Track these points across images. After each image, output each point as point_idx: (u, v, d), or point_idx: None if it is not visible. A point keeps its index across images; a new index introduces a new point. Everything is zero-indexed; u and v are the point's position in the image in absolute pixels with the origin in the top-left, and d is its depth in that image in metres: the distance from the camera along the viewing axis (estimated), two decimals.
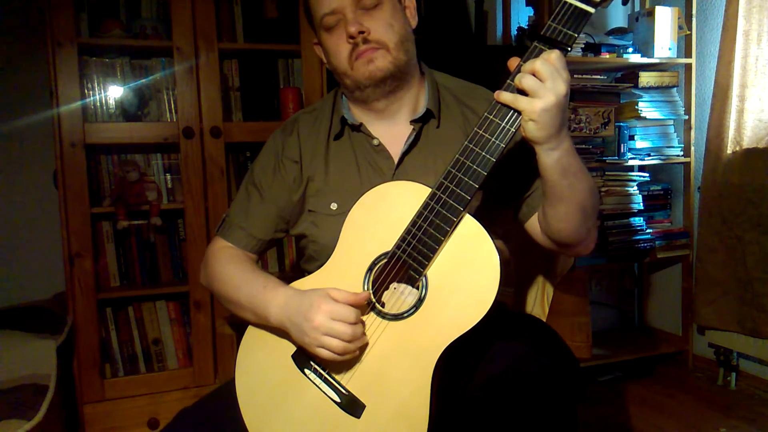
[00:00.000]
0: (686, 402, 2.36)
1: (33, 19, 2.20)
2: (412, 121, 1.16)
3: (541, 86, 0.89)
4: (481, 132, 0.96)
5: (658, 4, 2.57)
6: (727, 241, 2.37)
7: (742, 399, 2.37)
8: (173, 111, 2.15)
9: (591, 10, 0.92)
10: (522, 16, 2.72)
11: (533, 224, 1.15)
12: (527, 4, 2.61)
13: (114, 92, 2.12)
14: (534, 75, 0.90)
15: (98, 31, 2.06)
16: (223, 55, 2.15)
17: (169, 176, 2.21)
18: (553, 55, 0.90)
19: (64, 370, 1.92)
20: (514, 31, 2.69)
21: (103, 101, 2.11)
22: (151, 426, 2.09)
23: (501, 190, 1.15)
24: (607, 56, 2.48)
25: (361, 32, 1.09)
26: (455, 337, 0.95)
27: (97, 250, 2.11)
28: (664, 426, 2.17)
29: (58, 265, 2.09)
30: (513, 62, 0.94)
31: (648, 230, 2.60)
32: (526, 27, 2.61)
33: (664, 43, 2.52)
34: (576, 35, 0.92)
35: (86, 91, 2.06)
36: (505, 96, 0.93)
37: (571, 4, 0.92)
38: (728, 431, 2.11)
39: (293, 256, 2.31)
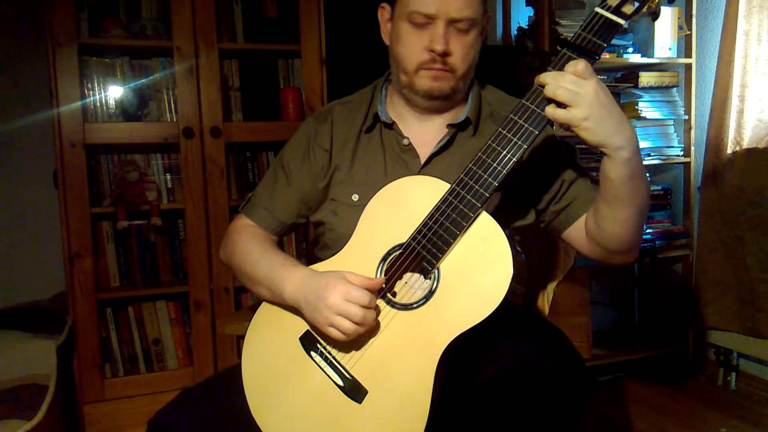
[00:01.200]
0: (686, 402, 2.36)
1: (33, 19, 2.20)
2: (449, 125, 1.18)
3: (574, 95, 0.91)
4: (504, 132, 0.98)
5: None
6: (727, 241, 2.37)
7: (742, 399, 2.37)
8: (173, 111, 2.15)
9: (622, 22, 0.94)
10: (522, 16, 2.71)
11: (575, 233, 1.15)
12: (527, 4, 2.61)
13: (114, 92, 2.12)
14: (564, 86, 0.92)
15: (98, 31, 2.06)
16: (223, 55, 2.15)
17: (169, 176, 2.21)
18: (580, 66, 0.92)
19: (64, 370, 1.92)
20: (514, 31, 2.69)
21: (103, 101, 2.11)
22: None
23: (527, 197, 1.17)
24: (607, 56, 2.47)
25: (445, 53, 1.09)
26: (462, 331, 0.95)
27: (97, 250, 2.11)
28: (664, 426, 2.17)
29: (58, 265, 2.09)
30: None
31: (648, 230, 2.60)
32: (526, 27, 2.60)
33: (664, 43, 2.52)
34: (605, 45, 0.95)
35: (86, 91, 2.07)
36: (548, 109, 0.94)
37: (602, 15, 0.95)
38: (728, 431, 2.11)
39: (293, 253, 2.31)
